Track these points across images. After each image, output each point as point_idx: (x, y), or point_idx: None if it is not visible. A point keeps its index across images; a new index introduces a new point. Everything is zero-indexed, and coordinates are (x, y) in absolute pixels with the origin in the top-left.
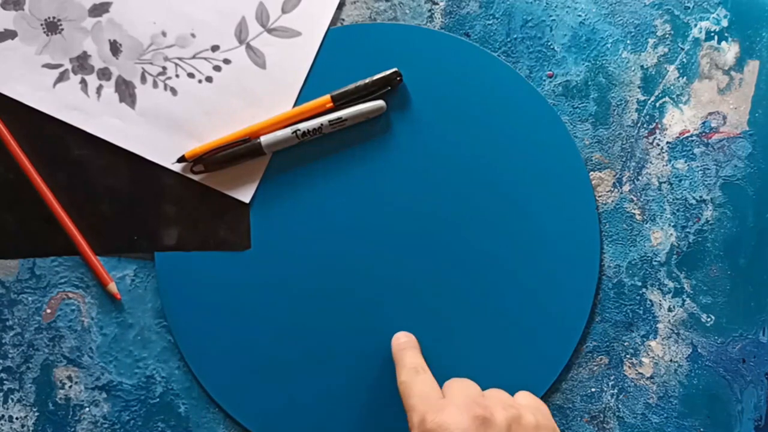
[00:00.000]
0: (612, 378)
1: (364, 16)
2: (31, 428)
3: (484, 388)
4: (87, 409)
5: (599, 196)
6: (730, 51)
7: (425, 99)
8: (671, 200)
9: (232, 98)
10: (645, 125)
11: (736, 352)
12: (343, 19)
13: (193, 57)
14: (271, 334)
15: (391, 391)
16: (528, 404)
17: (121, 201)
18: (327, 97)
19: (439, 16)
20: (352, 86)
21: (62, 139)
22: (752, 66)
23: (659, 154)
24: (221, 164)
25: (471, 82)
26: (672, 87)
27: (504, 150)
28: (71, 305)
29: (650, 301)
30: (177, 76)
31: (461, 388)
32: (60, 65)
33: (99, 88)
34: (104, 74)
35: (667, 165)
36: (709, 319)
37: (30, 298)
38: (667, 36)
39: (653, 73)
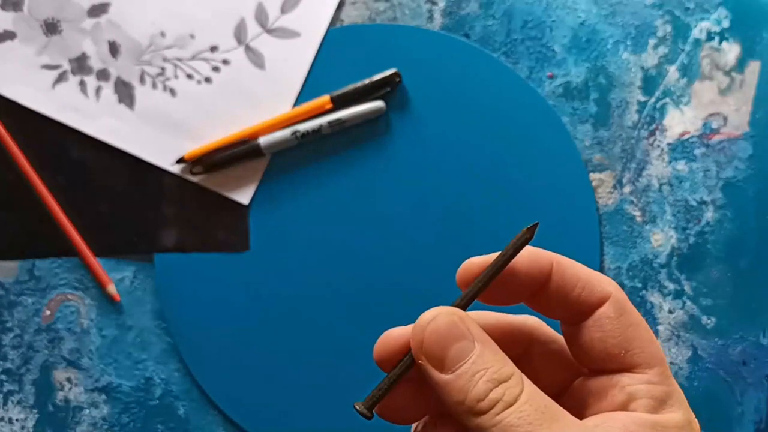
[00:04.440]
0: None
1: (363, 16)
2: (30, 430)
3: None
4: (86, 410)
5: (599, 198)
6: (730, 52)
7: (425, 100)
8: (672, 202)
9: (231, 99)
10: (645, 126)
11: (737, 355)
12: (343, 20)
13: (192, 58)
14: (271, 335)
15: None
16: None
17: (120, 202)
18: (326, 97)
19: (438, 16)
20: (351, 87)
21: (61, 140)
22: (753, 67)
23: (660, 155)
24: (220, 165)
25: (471, 83)
26: (672, 88)
27: (504, 151)
28: (70, 307)
29: (651, 303)
30: (176, 77)
31: None
32: (59, 66)
33: (98, 89)
34: (103, 75)
35: (667, 166)
36: (709, 321)
37: (29, 300)
38: (667, 37)
39: (654, 73)
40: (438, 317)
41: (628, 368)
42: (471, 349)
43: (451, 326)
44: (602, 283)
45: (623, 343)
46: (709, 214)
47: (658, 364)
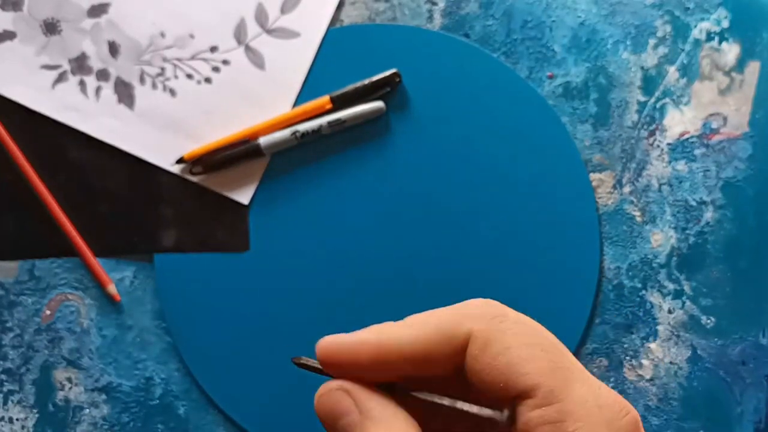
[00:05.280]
0: (612, 380)
1: (363, 16)
2: (31, 430)
3: None
4: (87, 410)
5: (599, 198)
6: (730, 52)
7: (425, 100)
8: (671, 202)
9: (231, 99)
10: (645, 126)
11: (736, 355)
12: (342, 20)
13: (192, 58)
14: (271, 335)
15: None
16: None
17: (120, 202)
18: (326, 98)
19: (438, 16)
20: (351, 87)
21: (61, 140)
22: (753, 67)
23: (660, 155)
24: (220, 166)
25: (470, 83)
26: (672, 88)
27: (504, 151)
28: (70, 307)
29: (650, 303)
30: (176, 77)
31: None
32: (59, 66)
33: (98, 89)
34: (103, 75)
35: (667, 166)
36: (709, 321)
37: (29, 300)
38: (667, 37)
39: (654, 74)
40: (322, 395)
41: (518, 397)
42: (356, 422)
43: (334, 403)
44: (463, 322)
45: (498, 377)
46: (709, 214)
47: (542, 379)
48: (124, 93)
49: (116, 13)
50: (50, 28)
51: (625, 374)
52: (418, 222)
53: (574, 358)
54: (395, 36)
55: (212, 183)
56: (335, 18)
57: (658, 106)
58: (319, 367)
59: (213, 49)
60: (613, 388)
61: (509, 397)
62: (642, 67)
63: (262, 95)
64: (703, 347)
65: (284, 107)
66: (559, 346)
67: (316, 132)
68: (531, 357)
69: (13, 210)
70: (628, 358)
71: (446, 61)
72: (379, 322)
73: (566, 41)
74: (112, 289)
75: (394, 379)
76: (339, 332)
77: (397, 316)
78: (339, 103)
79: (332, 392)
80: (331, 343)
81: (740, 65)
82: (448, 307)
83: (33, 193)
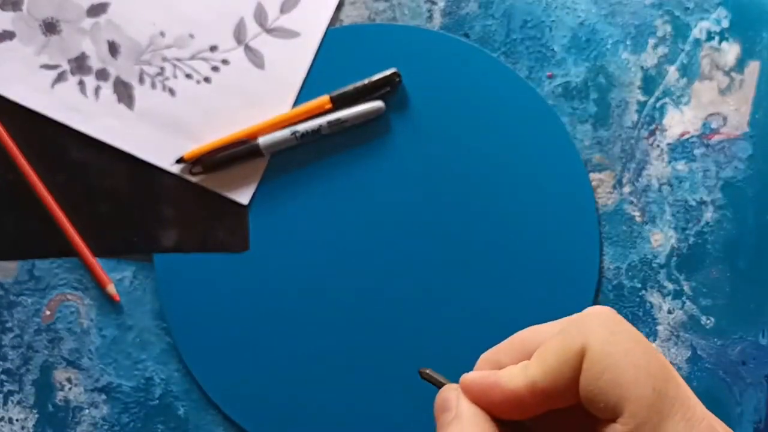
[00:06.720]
0: None
1: (363, 16)
2: (30, 430)
3: None
4: (86, 410)
5: (599, 198)
6: (730, 52)
7: (424, 100)
8: (671, 202)
9: (231, 99)
10: (645, 126)
11: (736, 355)
12: (342, 20)
13: (192, 58)
14: (270, 335)
15: (392, 392)
16: None
17: (120, 202)
18: (326, 97)
19: (438, 16)
20: (351, 87)
21: (61, 140)
22: (753, 67)
23: (659, 155)
24: (220, 166)
25: (470, 83)
26: (672, 88)
27: (503, 151)
28: (70, 307)
29: (650, 303)
30: (175, 76)
31: None
32: (58, 66)
33: (97, 89)
34: (102, 75)
35: (667, 166)
36: (708, 321)
37: (29, 300)
38: (667, 36)
39: (653, 73)
40: (442, 391)
41: (611, 420)
42: (449, 420)
43: (444, 399)
44: (577, 338)
45: (599, 395)
46: (709, 215)
47: (637, 408)
48: (124, 93)
49: (116, 13)
50: (50, 27)
51: None
52: (417, 221)
53: (682, 385)
54: (395, 36)
55: (212, 183)
56: (335, 18)
57: (657, 106)
58: (441, 381)
59: (212, 48)
60: None
61: (608, 419)
62: (642, 67)
63: (261, 95)
64: (703, 347)
65: (284, 107)
66: (667, 371)
67: (316, 132)
68: (635, 381)
69: (13, 210)
70: None
71: (446, 61)
72: (379, 320)
73: (566, 41)
74: (111, 289)
75: (530, 416)
76: (338, 333)
77: (398, 313)
78: (339, 102)
79: (448, 390)
80: (473, 382)
81: (740, 65)
82: (565, 323)
83: (33, 193)
